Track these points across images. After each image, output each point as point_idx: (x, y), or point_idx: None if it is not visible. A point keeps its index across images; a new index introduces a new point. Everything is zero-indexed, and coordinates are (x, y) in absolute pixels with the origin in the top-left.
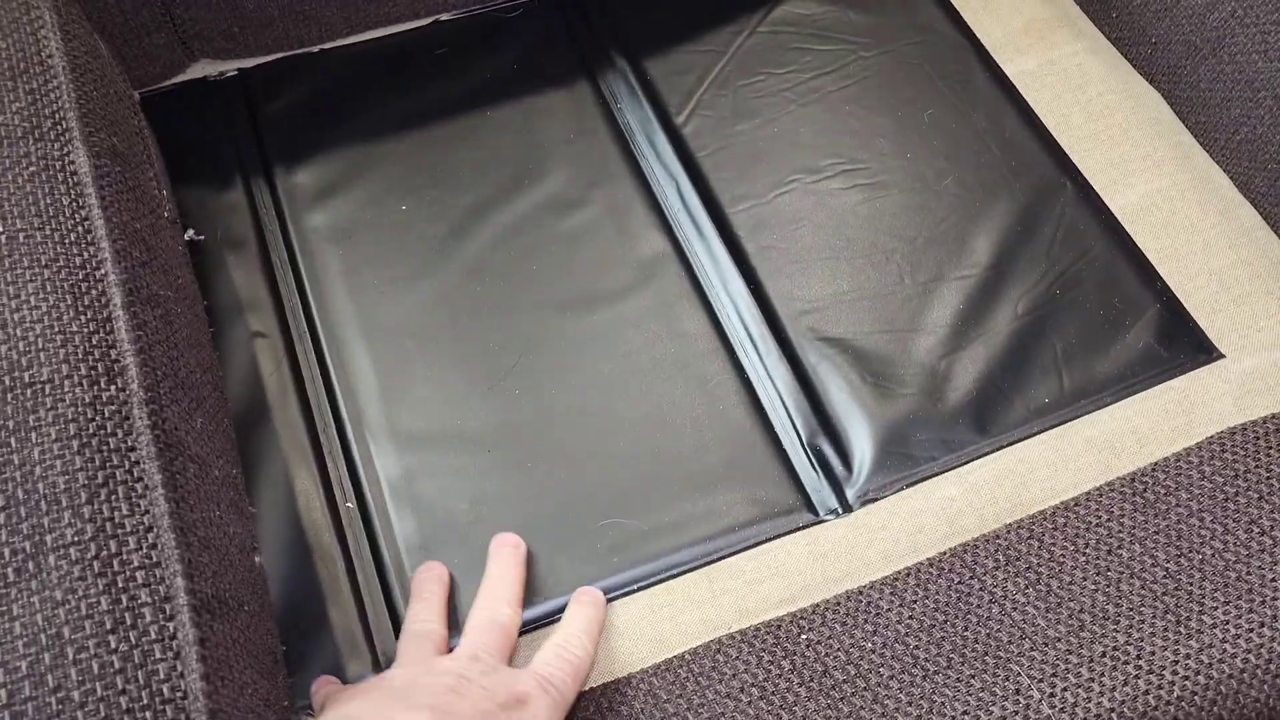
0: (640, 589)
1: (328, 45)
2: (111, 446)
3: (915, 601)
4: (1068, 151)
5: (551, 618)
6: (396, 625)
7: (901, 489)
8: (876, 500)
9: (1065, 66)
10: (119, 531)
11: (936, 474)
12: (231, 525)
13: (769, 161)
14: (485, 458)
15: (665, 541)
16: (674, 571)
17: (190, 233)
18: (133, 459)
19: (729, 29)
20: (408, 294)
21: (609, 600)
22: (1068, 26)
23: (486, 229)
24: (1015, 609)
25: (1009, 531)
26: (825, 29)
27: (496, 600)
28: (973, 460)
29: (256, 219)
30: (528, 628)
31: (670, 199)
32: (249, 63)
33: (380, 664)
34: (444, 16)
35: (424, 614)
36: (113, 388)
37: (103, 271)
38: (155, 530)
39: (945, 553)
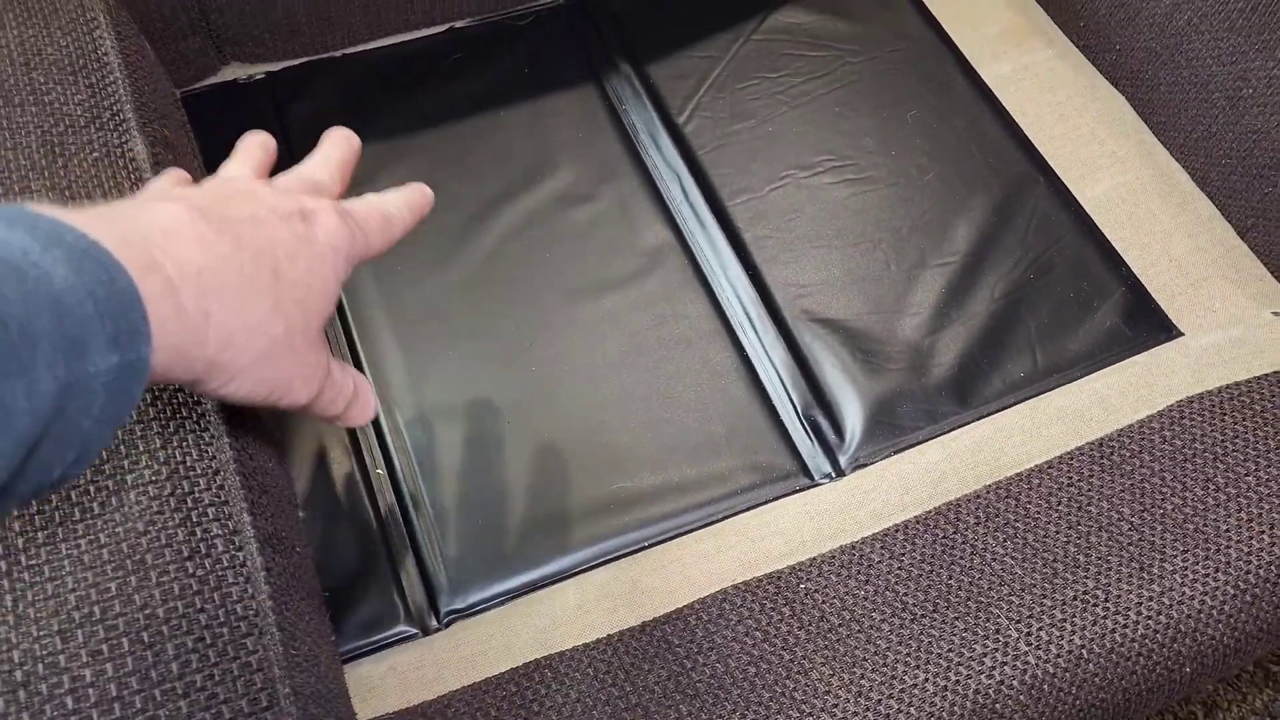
0: (649, 547)
1: (350, 50)
2: (180, 400)
3: (904, 554)
4: (1040, 149)
5: (563, 574)
6: (426, 581)
7: (890, 455)
8: (867, 465)
9: (1038, 71)
10: (190, 473)
11: (921, 441)
12: (281, 477)
13: (764, 158)
14: (504, 428)
15: (672, 504)
16: (680, 530)
17: None
18: (199, 411)
19: (726, 36)
20: (430, 280)
21: (617, 559)
22: (1039, 35)
23: (502, 221)
24: (994, 560)
25: (988, 491)
26: (815, 36)
27: (315, 165)
28: (954, 429)
29: None
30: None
31: (673, 193)
32: (277, 66)
33: (412, 615)
34: (459, 24)
35: (235, 168)
36: None
37: None
38: (222, 473)
39: (930, 511)
